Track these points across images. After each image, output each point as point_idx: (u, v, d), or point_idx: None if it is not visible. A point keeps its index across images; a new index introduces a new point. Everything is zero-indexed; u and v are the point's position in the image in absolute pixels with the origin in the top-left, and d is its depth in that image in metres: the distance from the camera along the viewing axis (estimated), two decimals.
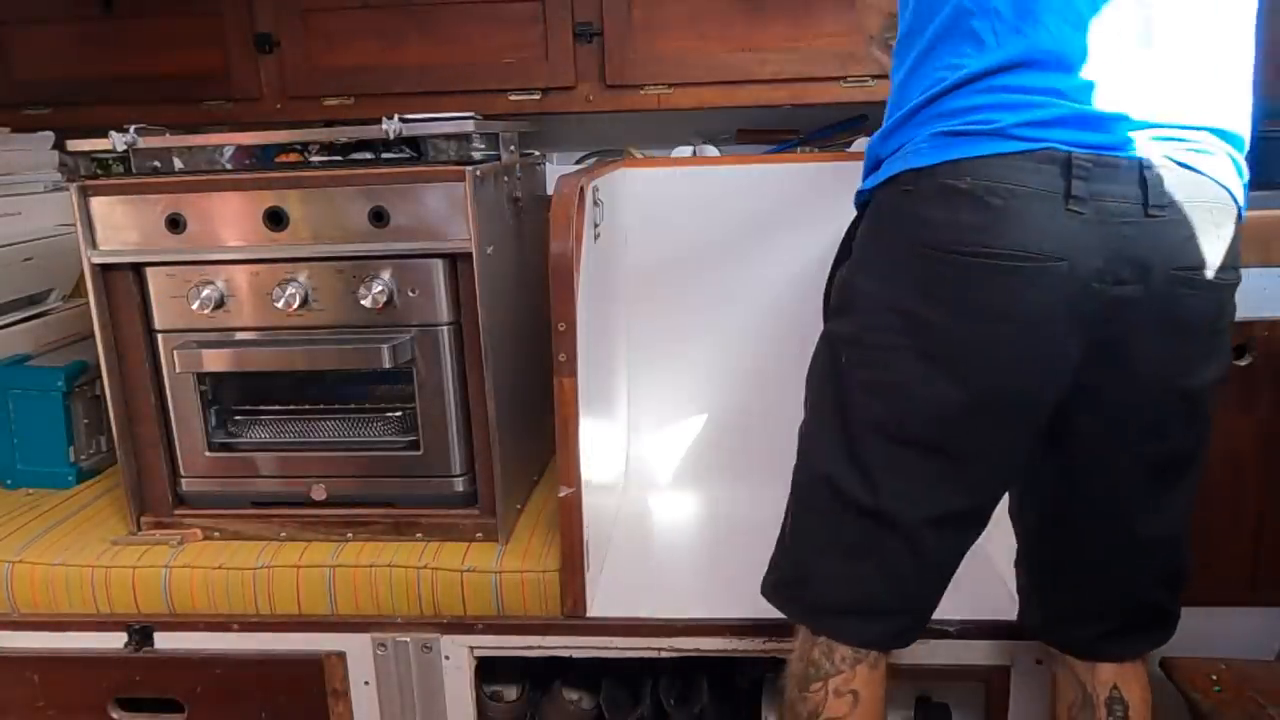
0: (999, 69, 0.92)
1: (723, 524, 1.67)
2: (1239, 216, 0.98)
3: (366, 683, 1.42)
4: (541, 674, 1.53)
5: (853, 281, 1.02)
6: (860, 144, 1.92)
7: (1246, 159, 0.98)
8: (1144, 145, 0.91)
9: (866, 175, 1.05)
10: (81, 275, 1.42)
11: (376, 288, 1.35)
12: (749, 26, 1.82)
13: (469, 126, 1.36)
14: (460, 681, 1.41)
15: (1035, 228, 0.90)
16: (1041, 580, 1.16)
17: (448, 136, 1.37)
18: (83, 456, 1.73)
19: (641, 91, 1.87)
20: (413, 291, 1.37)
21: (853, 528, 1.02)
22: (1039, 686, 1.33)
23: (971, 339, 0.94)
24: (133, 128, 1.40)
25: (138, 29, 1.90)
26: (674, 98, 1.87)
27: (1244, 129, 0.97)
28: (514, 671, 1.51)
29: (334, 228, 1.35)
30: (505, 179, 1.47)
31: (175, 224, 1.37)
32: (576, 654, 1.39)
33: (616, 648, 1.38)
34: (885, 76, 1.83)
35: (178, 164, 1.43)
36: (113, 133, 1.39)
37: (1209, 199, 0.94)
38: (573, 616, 1.37)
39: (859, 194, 1.06)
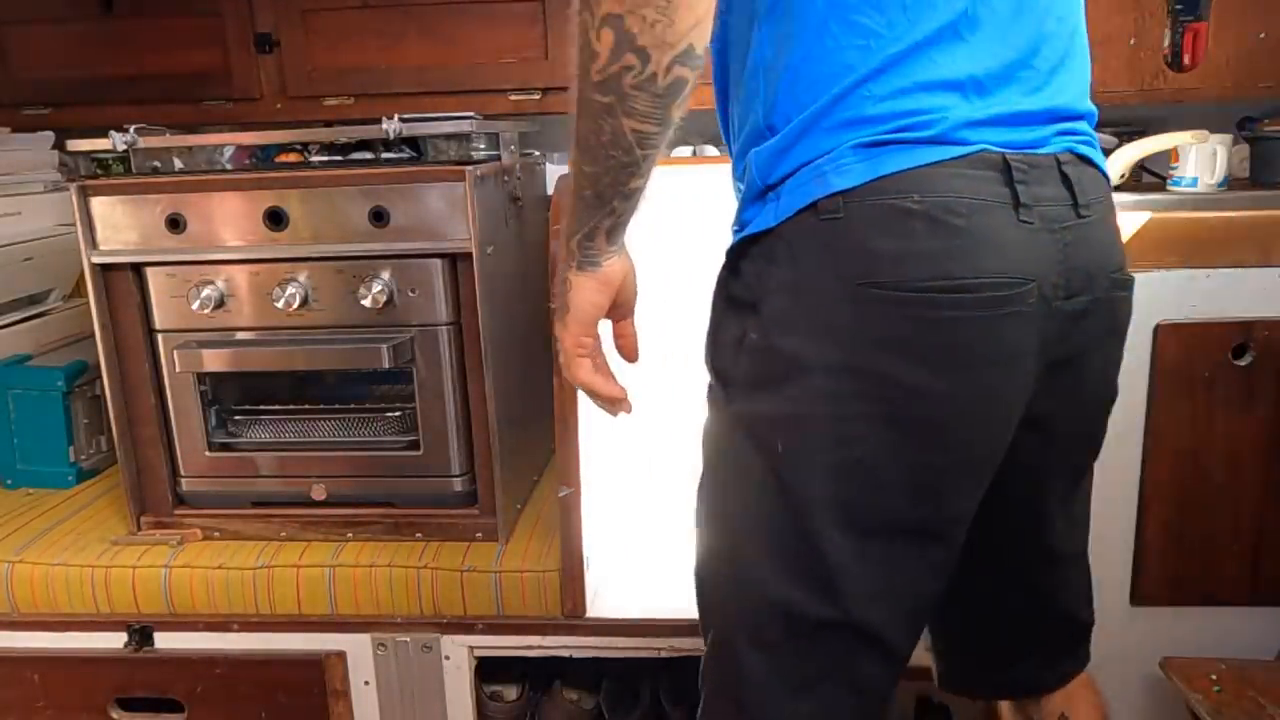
0: (913, 51, 0.77)
1: None
2: None
3: (366, 683, 1.42)
4: (541, 674, 1.53)
5: (775, 346, 0.79)
6: None
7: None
8: (1054, 140, 0.82)
9: (749, 207, 0.84)
10: (81, 275, 1.42)
11: (376, 288, 1.35)
12: None
13: (469, 126, 1.36)
14: (460, 681, 1.41)
15: (999, 247, 0.77)
16: (966, 632, 1.03)
17: (448, 136, 1.37)
18: (83, 456, 1.73)
19: None
20: (413, 291, 1.37)
21: (818, 656, 0.83)
22: None
23: (951, 391, 0.78)
24: (133, 128, 1.40)
25: (138, 29, 1.90)
26: None
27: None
28: (514, 671, 1.51)
29: (334, 228, 1.35)
30: (505, 179, 1.47)
31: (175, 224, 1.37)
32: (576, 654, 1.39)
33: (616, 648, 1.38)
34: None
35: (178, 164, 1.43)
36: (113, 133, 1.39)
37: (1107, 192, 0.87)
38: (573, 616, 1.37)
39: (745, 235, 0.83)
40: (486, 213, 1.35)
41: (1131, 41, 1.76)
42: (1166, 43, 1.78)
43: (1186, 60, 1.81)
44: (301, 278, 1.38)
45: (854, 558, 0.80)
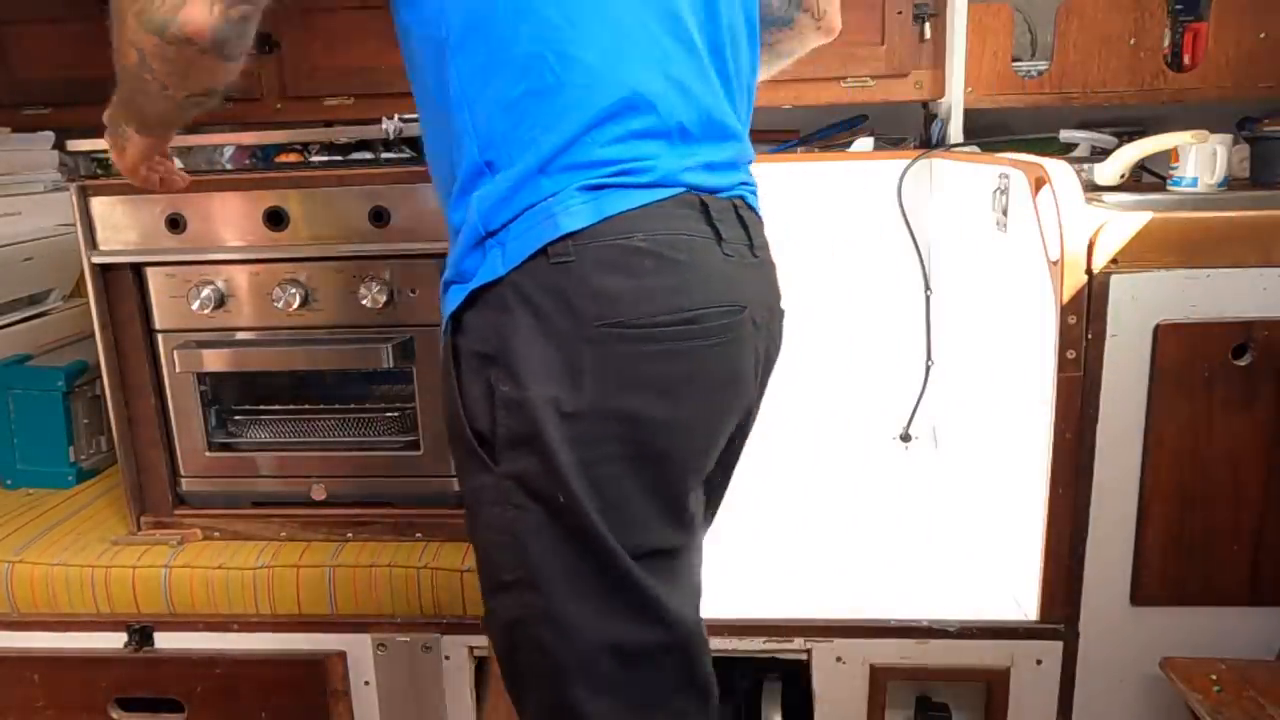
0: (623, 100, 0.81)
1: (723, 524, 1.67)
2: None
3: (366, 683, 1.42)
4: None
5: (525, 396, 0.79)
6: (861, 144, 1.92)
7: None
8: (736, 186, 0.90)
9: (468, 256, 0.83)
10: (81, 275, 1.42)
11: (376, 288, 1.35)
12: None
13: None
14: (460, 681, 1.41)
15: (716, 279, 0.83)
16: None
17: None
18: (83, 456, 1.73)
19: None
20: (413, 291, 1.37)
21: (660, 677, 0.87)
22: (1039, 686, 1.33)
23: (691, 418, 0.84)
24: None
25: None
26: None
27: None
28: None
29: (334, 228, 1.35)
30: None
31: (175, 224, 1.37)
32: None
33: None
34: (886, 76, 1.85)
35: (177, 164, 1.43)
36: None
37: (765, 236, 0.96)
38: None
39: (461, 289, 0.83)
40: None
41: (1131, 41, 1.76)
42: (1166, 43, 1.78)
43: (1186, 60, 1.81)
44: (301, 278, 1.38)
45: (658, 581, 0.84)
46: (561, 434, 0.79)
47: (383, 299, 1.35)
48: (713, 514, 1.06)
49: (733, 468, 1.03)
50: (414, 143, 1.40)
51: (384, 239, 1.34)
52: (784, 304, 1.00)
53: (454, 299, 0.84)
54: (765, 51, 1.09)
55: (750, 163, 0.96)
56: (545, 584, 0.83)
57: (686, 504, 0.88)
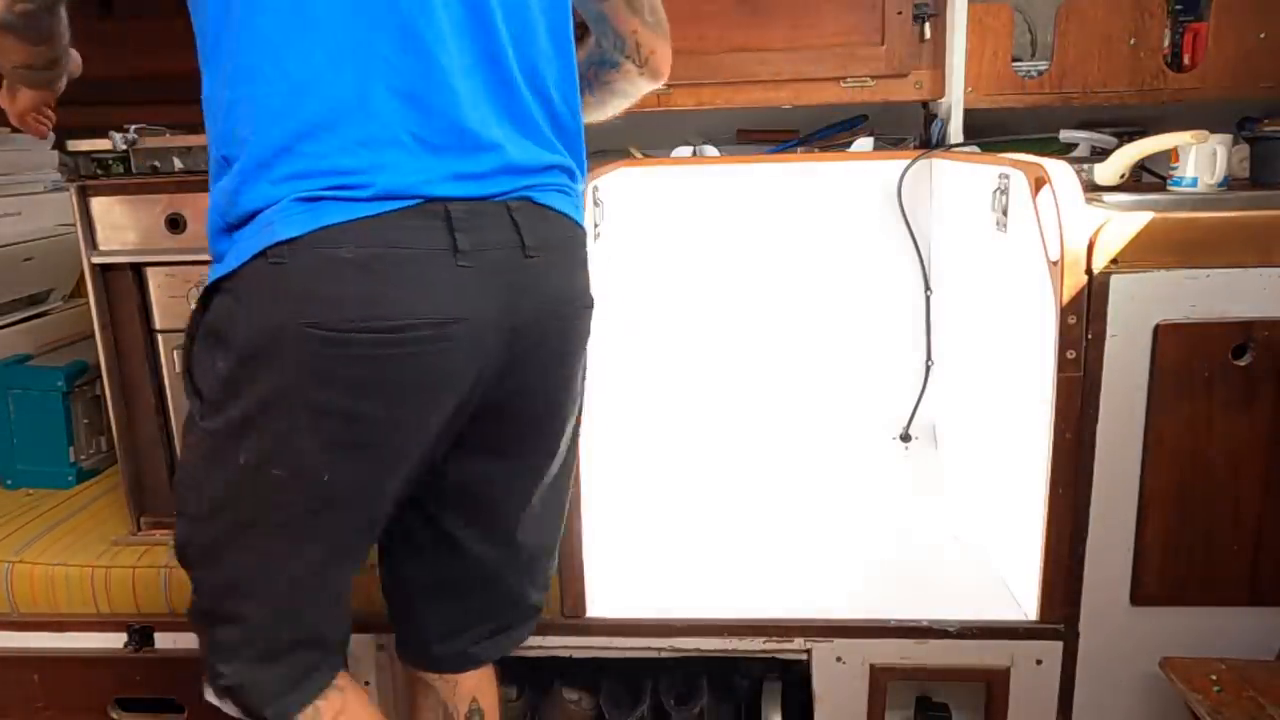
0: (358, 105, 0.86)
1: (723, 524, 1.67)
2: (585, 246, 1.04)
3: (366, 683, 1.42)
4: (541, 674, 1.53)
5: (237, 376, 0.89)
6: (861, 144, 1.92)
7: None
8: (511, 191, 0.92)
9: (219, 240, 0.91)
10: (81, 275, 1.42)
11: None
12: (749, 27, 1.82)
13: None
14: None
15: (430, 290, 0.87)
16: (420, 602, 1.14)
17: None
18: (83, 456, 1.73)
19: None
20: None
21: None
22: (1039, 686, 1.33)
23: (382, 417, 0.90)
24: (133, 128, 1.40)
25: (138, 29, 1.90)
26: (674, 98, 1.86)
27: (582, 160, 1.03)
28: (514, 671, 1.51)
29: None
30: None
31: (175, 224, 1.37)
32: (576, 654, 1.39)
33: (616, 648, 1.38)
34: (886, 76, 1.85)
35: (178, 164, 1.43)
36: (113, 133, 1.39)
37: (568, 234, 0.99)
38: (573, 616, 1.37)
39: (219, 275, 0.91)
40: None
41: (1131, 41, 1.76)
42: (1166, 43, 1.78)
43: (1186, 60, 1.81)
44: None
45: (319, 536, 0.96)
46: (257, 411, 0.89)
47: None
48: (523, 513, 1.09)
49: (524, 456, 1.06)
50: None
51: None
52: (590, 296, 1.05)
53: (210, 277, 0.93)
54: (602, 89, 1.21)
55: (553, 166, 0.97)
56: (212, 517, 0.95)
57: (377, 494, 0.96)
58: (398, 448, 0.93)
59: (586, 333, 1.06)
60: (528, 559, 1.11)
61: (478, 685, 1.17)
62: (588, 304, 1.05)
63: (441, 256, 0.87)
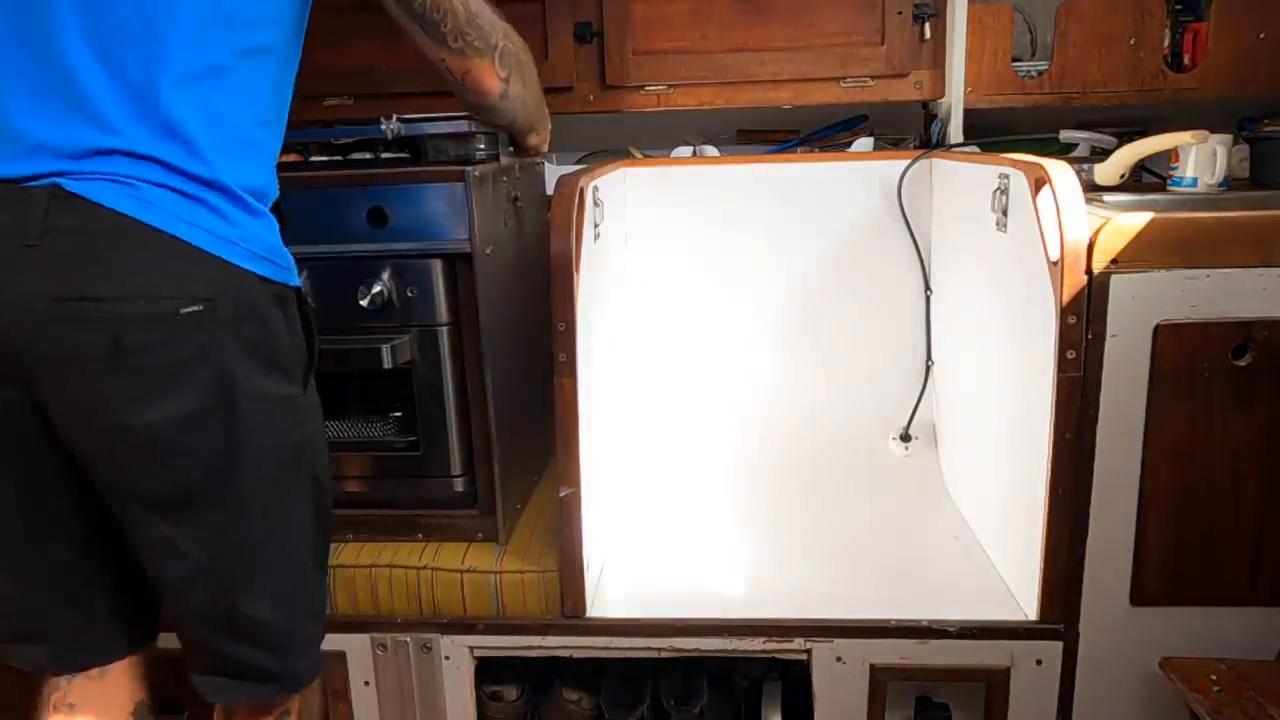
0: None
1: (723, 524, 1.67)
2: (185, 246, 0.91)
3: (366, 683, 1.42)
4: (541, 674, 1.53)
5: None
6: (861, 144, 1.92)
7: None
8: (33, 171, 0.88)
9: None
10: None
11: (375, 288, 1.35)
12: (749, 26, 1.82)
13: (468, 127, 1.36)
14: (460, 681, 1.41)
15: None
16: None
17: (447, 136, 1.37)
18: None
19: (641, 91, 1.86)
20: (411, 292, 1.37)
21: None
22: (1039, 686, 1.33)
23: None
24: None
25: None
26: (674, 98, 1.86)
27: (210, 160, 0.92)
28: (514, 671, 1.51)
29: (333, 228, 1.35)
30: (504, 179, 1.47)
31: None
32: (576, 654, 1.39)
33: (616, 648, 1.38)
34: (886, 76, 1.85)
35: None
36: None
37: (110, 230, 0.88)
38: (573, 616, 1.37)
39: None
40: (486, 213, 1.35)
41: (1131, 41, 1.76)
42: (1166, 43, 1.79)
43: (1186, 60, 1.81)
44: (300, 278, 1.37)
45: None
46: None
47: (381, 299, 1.35)
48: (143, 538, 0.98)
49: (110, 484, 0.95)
50: (413, 143, 1.40)
51: (383, 239, 1.34)
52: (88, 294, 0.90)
53: None
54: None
55: (125, 154, 0.90)
56: None
57: None
58: None
59: (102, 341, 0.87)
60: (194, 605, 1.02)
61: None
62: (88, 309, 0.87)
63: None
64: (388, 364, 1.33)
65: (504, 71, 1.25)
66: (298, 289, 1.04)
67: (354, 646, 1.41)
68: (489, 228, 1.36)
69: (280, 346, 0.99)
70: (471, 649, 1.40)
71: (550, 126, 1.52)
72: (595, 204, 1.42)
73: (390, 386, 1.51)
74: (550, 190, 1.33)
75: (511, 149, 1.50)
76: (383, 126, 1.33)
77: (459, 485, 1.44)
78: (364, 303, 1.35)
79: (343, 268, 1.37)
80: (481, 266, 1.34)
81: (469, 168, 1.31)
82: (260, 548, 1.00)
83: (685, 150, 1.94)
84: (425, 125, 1.36)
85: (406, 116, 1.34)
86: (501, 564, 1.39)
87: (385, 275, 1.36)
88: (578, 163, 2.06)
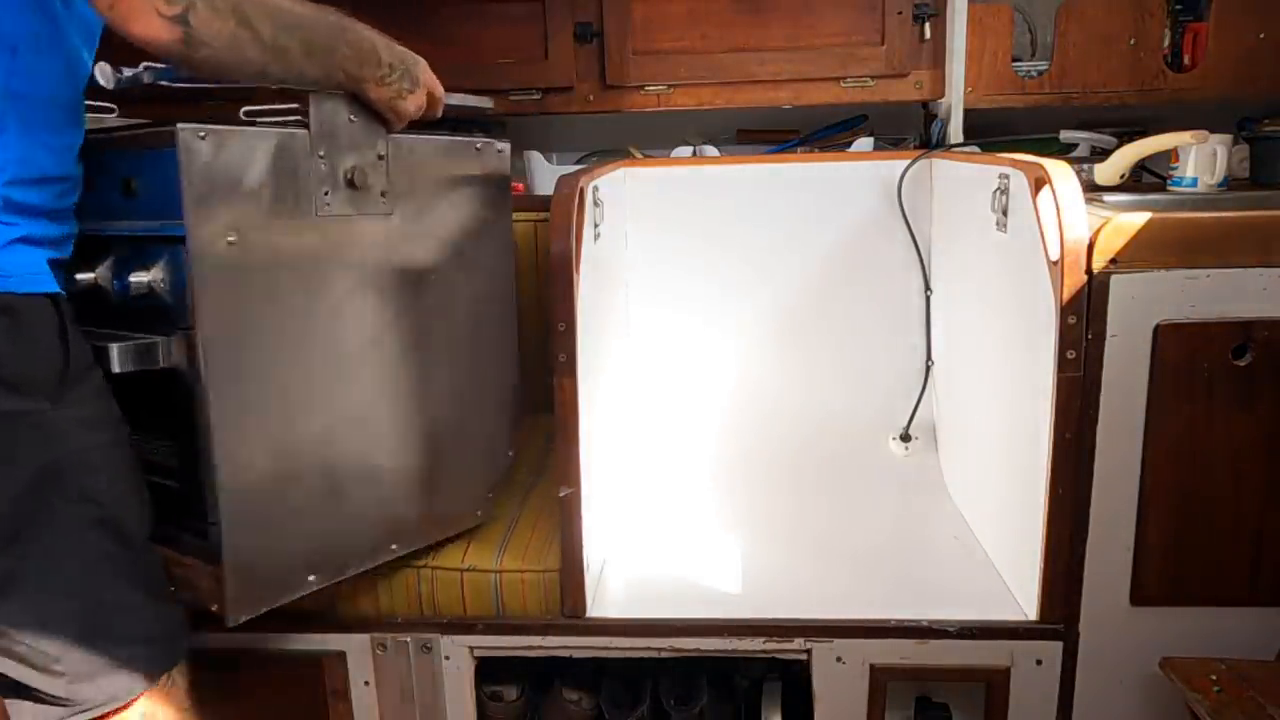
0: None
1: (723, 524, 1.67)
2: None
3: (366, 683, 1.42)
4: (541, 674, 1.53)
5: None
6: (861, 144, 1.92)
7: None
8: None
9: None
10: None
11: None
12: (749, 26, 1.82)
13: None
14: (460, 681, 1.41)
15: None
16: None
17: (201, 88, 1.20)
18: None
19: (641, 91, 1.87)
20: (162, 284, 1.12)
21: None
22: (1039, 686, 1.33)
23: None
24: None
25: None
26: (674, 98, 1.87)
27: None
28: (514, 671, 1.51)
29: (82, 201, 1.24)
30: (330, 144, 1.21)
31: None
32: (576, 654, 1.39)
33: (616, 648, 1.38)
34: (886, 76, 1.85)
35: None
36: None
37: None
38: (573, 616, 1.37)
39: None
40: (226, 188, 1.11)
41: (1131, 41, 1.76)
42: (1166, 43, 1.79)
43: (1186, 60, 1.81)
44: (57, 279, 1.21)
45: None
46: None
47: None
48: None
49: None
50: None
51: (130, 215, 1.17)
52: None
53: None
54: None
55: None
56: None
57: None
58: None
59: None
60: None
61: None
62: None
63: None
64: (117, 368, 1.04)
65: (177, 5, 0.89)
66: (49, 294, 0.95)
67: (354, 646, 1.41)
68: (241, 209, 1.08)
69: (2, 359, 0.90)
70: (471, 649, 1.40)
71: (421, 73, 1.16)
72: (595, 204, 1.42)
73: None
74: (509, 171, 1.31)
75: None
76: (98, 77, 1.09)
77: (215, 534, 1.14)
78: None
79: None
80: (211, 259, 1.04)
81: (196, 125, 1.07)
82: (21, 585, 0.93)
83: (685, 150, 1.94)
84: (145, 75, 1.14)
85: (153, 65, 1.09)
86: (501, 564, 1.39)
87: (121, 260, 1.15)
88: (578, 163, 2.06)
